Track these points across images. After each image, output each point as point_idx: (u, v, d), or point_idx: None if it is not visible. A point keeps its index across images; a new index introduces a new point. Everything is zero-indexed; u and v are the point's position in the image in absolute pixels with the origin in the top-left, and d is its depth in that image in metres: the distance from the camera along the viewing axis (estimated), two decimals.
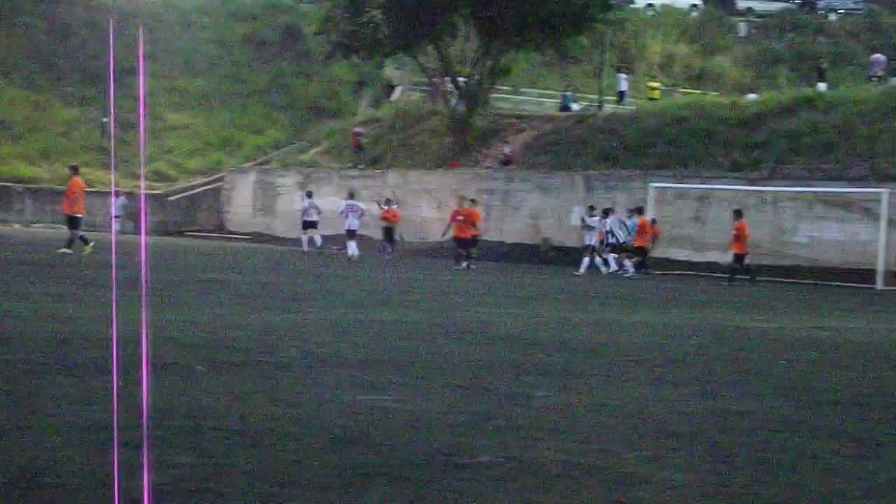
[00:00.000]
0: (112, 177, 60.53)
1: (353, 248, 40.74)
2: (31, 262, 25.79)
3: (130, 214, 56.59)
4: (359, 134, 56.86)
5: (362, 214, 43.00)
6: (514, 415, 8.01)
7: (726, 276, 36.62)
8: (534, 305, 21.65)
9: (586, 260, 38.70)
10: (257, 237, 55.73)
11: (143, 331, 11.12)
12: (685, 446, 7.18)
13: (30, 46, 70.08)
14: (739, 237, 36.74)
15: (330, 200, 51.93)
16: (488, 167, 51.83)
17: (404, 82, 68.92)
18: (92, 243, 31.03)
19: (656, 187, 43.03)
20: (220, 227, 60.06)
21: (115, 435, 6.02)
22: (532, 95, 66.65)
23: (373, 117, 62.70)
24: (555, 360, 11.71)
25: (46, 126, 65.57)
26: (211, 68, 72.38)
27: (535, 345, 13.34)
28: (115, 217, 49.12)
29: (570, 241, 45.06)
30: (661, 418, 8.29)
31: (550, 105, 63.68)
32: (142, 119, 66.22)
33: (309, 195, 46.66)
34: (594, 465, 6.34)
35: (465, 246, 38.38)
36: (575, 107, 58.49)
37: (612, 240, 40.23)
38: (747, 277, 36.56)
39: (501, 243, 47.79)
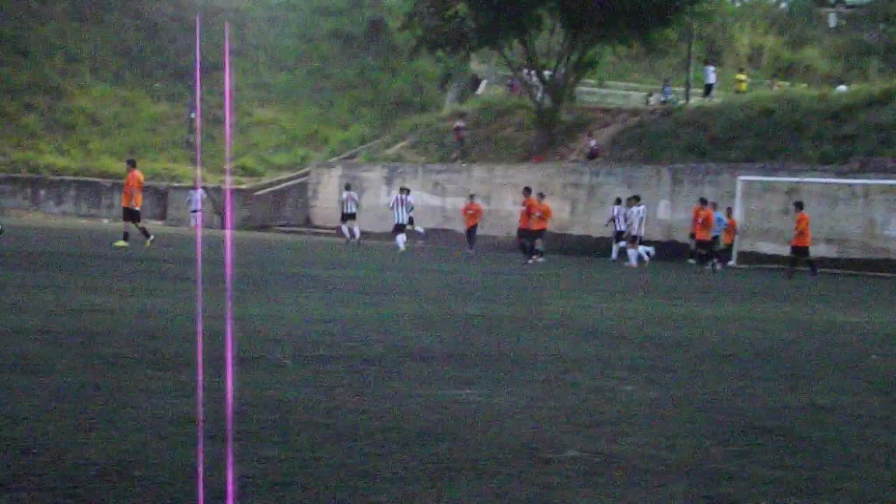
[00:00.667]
0: (197, 171, 61.09)
1: (401, 241, 41.39)
2: (120, 258, 26.06)
3: (217, 209, 57.17)
4: (460, 128, 56.69)
5: (412, 209, 43.54)
6: (600, 410, 7.97)
7: (806, 270, 36.20)
8: (619, 299, 21.55)
9: (641, 249, 38.70)
10: (340, 231, 55.89)
11: (229, 325, 11.19)
12: (774, 442, 7.11)
13: (118, 43, 70.93)
14: (800, 228, 36.39)
15: (417, 195, 52.25)
16: (574, 161, 51.68)
17: (490, 76, 68.92)
18: (126, 244, 31.05)
19: (744, 180, 42.70)
20: (306, 222, 60.37)
21: (200, 429, 6.06)
22: (618, 88, 66.40)
23: (458, 111, 62.71)
24: (641, 355, 11.64)
25: (134, 122, 66.37)
26: (297, 63, 72.87)
27: (622, 339, 13.27)
28: (196, 211, 49.69)
29: (657, 235, 44.88)
30: (749, 413, 8.21)
31: (637, 98, 63.39)
32: (228, 114, 66.85)
33: (347, 187, 47.71)
34: (682, 461, 6.29)
35: (527, 237, 38.24)
36: (682, 102, 58.10)
37: (619, 227, 42.32)
38: (787, 268, 36.09)
39: (587, 237, 47.67)
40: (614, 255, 43.55)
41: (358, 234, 45.77)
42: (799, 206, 36.91)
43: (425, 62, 68.80)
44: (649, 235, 44.82)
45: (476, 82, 70.26)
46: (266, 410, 7.11)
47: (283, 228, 58.98)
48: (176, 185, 59.84)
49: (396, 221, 42.35)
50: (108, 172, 61.28)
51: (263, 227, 58.87)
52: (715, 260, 39.26)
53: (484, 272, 29.74)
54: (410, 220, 44.23)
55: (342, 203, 48.01)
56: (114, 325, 11.57)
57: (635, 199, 40.03)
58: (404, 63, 70.56)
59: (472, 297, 19.91)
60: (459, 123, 57.13)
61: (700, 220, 38.15)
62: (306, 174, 61.81)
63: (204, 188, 56.32)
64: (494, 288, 23.23)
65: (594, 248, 46.43)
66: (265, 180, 63.19)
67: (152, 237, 31.32)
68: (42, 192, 59.59)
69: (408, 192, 44.49)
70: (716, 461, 6.35)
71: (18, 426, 6.22)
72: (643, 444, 6.72)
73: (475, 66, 69.57)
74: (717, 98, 57.81)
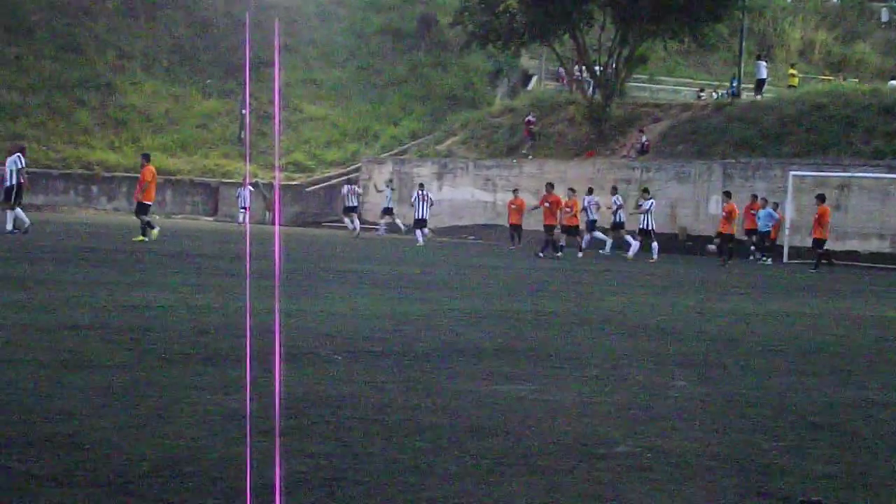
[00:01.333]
0: (246, 168, 61.23)
1: (420, 235, 42.23)
2: (172, 254, 26.20)
3: (269, 205, 57.30)
4: (531, 122, 56.30)
5: (432, 204, 44.07)
6: (651, 405, 7.95)
7: (813, 262, 35.93)
8: (671, 295, 21.48)
9: (637, 244, 38.39)
10: (393, 227, 55.74)
11: (277, 321, 11.22)
12: (826, 437, 7.08)
13: (170, 40, 71.25)
14: (821, 222, 36.06)
15: (468, 191, 52.25)
16: (625, 156, 51.52)
17: (540, 72, 68.80)
18: (147, 239, 30.47)
19: (795, 175, 42.42)
20: (358, 218, 60.37)
21: (249, 425, 6.09)
22: (669, 84, 66.15)
23: (509, 107, 62.62)
24: (693, 350, 11.61)
25: (186, 118, 66.60)
26: (348, 59, 72.93)
27: (673, 334, 13.23)
28: (245, 208, 49.96)
29: (709, 230, 44.65)
30: (800, 409, 8.18)
31: (688, 93, 63.12)
32: (277, 110, 66.95)
33: (349, 181, 50.79)
34: (733, 456, 6.27)
35: (551, 232, 37.61)
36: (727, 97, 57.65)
37: (590, 217, 42.28)
38: (824, 262, 35.73)
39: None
40: (584, 244, 43.45)
41: (357, 227, 46.80)
42: (821, 198, 36.77)
43: (476, 58, 68.71)
44: (700, 231, 44.61)
45: (527, 78, 70.13)
46: (317, 406, 7.13)
47: (334, 224, 58.96)
48: (227, 181, 60.02)
49: (417, 216, 43.16)
50: (160, 169, 61.30)
51: (315, 223, 58.94)
52: (762, 252, 39.04)
53: (532, 268, 29.70)
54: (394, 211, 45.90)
55: (344, 197, 49.33)
56: (165, 321, 11.63)
57: (645, 192, 39.73)
58: (455, 59, 70.48)
59: (522, 293, 19.89)
60: (530, 117, 56.57)
61: (724, 213, 37.87)
62: (357, 170, 61.83)
63: (255, 184, 56.44)
64: (544, 283, 23.20)
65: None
66: (316, 176, 63.31)
67: (146, 238, 30.72)
68: (94, 189, 59.86)
69: (422, 186, 45.91)
70: (767, 456, 6.33)
71: (72, 422, 6.27)
72: (694, 439, 6.71)
73: (526, 61, 69.42)
74: (768, 93, 57.45)
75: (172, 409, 6.81)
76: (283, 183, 60.34)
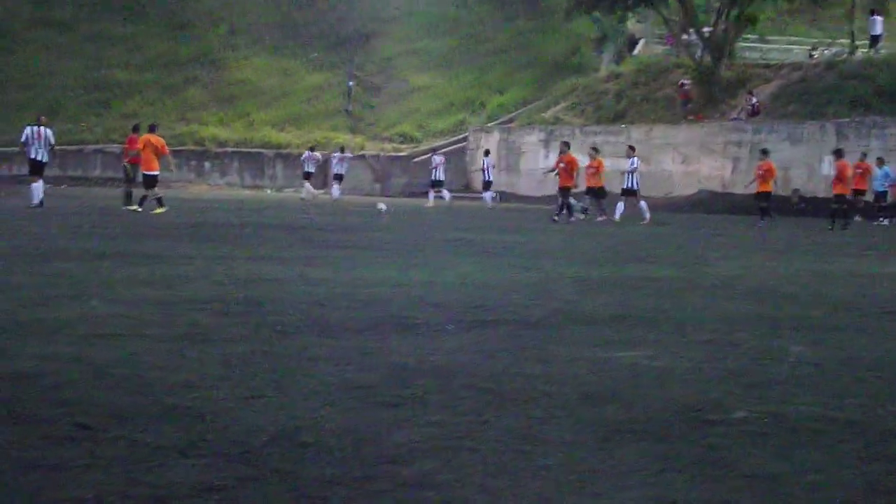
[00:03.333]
0: (343, 139, 61.54)
1: (489, 197, 46.60)
2: (285, 227, 26.42)
3: (377, 177, 57.53)
4: (684, 84, 55.50)
5: (493, 166, 48.77)
6: (767, 370, 7.88)
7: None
8: (785, 258, 21.26)
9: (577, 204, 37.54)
10: (502, 196, 55.63)
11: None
12: None
13: (277, 14, 71.81)
14: (765, 177, 36.40)
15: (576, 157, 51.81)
16: (735, 119, 50.98)
17: (647, 36, 68.26)
18: (165, 208, 30.39)
19: None
20: (466, 187, 60.40)
21: None
22: (780, 43, 65.24)
23: (615, 72, 62.23)
24: (808, 314, 11.47)
25: (294, 92, 67.14)
26: (452, 29, 72.95)
27: (788, 298, 13.09)
28: (337, 176, 50.28)
29: (822, 192, 44.08)
30: None
31: (799, 53, 62.18)
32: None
33: (311, 149, 52.05)
34: (852, 420, 6.21)
35: (566, 195, 36.46)
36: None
37: (487, 178, 47.62)
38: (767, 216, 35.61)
39: (751, 196, 46.96)
40: (488, 201, 47.06)
41: (311, 194, 49.31)
42: (765, 153, 37.51)
43: (581, 23, 68.34)
44: (812, 192, 44.00)
45: (633, 42, 69.64)
46: (430, 376, 7.16)
47: (440, 194, 58.97)
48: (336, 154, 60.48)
49: (485, 179, 47.86)
50: (270, 143, 62.16)
51: (423, 194, 59.10)
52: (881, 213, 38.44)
53: (639, 234, 29.54)
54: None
55: (302, 162, 51.61)
56: (280, 293, 11.74)
57: (631, 150, 38.73)
58: (560, 25, 70.18)
59: (631, 259, 19.81)
60: (684, 80, 55.74)
61: (761, 171, 37.17)
62: (464, 139, 61.84)
63: (342, 149, 55.85)
64: (653, 249, 23.08)
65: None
66: (424, 147, 63.50)
67: (166, 209, 30.47)
68: (207, 165, 60.60)
69: (487, 153, 50.45)
70: (888, 420, 6.26)
71: (192, 394, 6.36)
72: (812, 403, 6.64)
73: (632, 25, 68.92)
74: (884, 50, 56.36)
75: (289, 379, 6.89)
76: (389, 154, 60.58)
